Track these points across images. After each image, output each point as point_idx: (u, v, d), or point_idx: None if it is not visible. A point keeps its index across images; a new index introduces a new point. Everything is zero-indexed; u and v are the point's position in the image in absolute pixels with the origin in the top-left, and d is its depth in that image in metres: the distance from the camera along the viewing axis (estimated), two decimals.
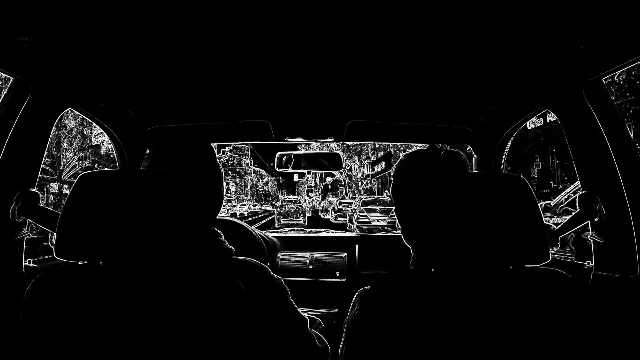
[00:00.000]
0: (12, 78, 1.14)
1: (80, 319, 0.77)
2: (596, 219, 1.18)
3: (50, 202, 18.37)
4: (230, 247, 0.96)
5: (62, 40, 1.07)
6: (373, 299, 0.81)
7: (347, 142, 1.92)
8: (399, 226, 0.98)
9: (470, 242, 0.80)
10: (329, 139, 1.83)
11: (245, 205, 47.11)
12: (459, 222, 0.81)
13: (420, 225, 0.87)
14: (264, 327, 0.86)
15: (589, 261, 1.26)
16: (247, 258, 0.95)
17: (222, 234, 0.98)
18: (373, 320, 0.80)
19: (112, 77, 1.35)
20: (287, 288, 0.97)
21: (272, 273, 0.95)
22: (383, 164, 31.60)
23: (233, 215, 29.33)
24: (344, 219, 19.66)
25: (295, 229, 4.69)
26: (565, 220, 1.29)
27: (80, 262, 0.83)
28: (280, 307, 0.93)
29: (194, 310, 0.78)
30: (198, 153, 0.98)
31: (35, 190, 1.18)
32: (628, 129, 1.18)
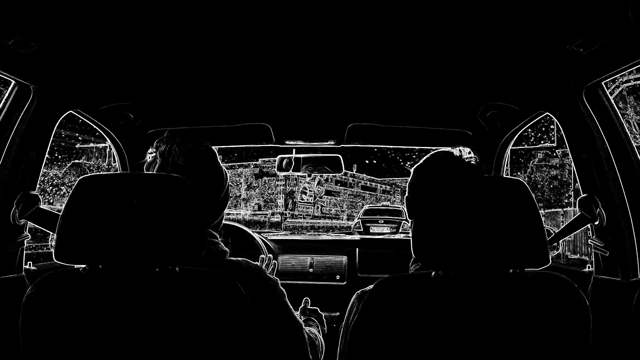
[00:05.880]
0: (13, 81, 1.14)
1: (80, 322, 0.77)
2: (596, 223, 1.18)
3: None
4: (225, 249, 0.96)
5: (64, 43, 1.07)
6: (374, 301, 0.81)
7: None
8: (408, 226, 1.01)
9: (471, 245, 0.80)
10: (329, 142, 1.83)
11: None
12: (462, 225, 0.81)
13: (428, 225, 0.87)
14: (257, 328, 0.86)
15: (589, 265, 1.26)
16: (241, 259, 0.96)
17: (217, 236, 0.98)
18: (374, 322, 0.80)
19: (113, 80, 1.36)
20: (284, 290, 0.98)
21: (267, 275, 0.95)
22: None
23: None
24: None
25: (296, 232, 4.68)
26: (565, 224, 1.29)
27: (79, 266, 0.83)
28: (275, 308, 0.93)
29: (190, 313, 0.78)
30: (196, 155, 0.98)
31: (36, 193, 1.18)
32: (628, 132, 1.18)
